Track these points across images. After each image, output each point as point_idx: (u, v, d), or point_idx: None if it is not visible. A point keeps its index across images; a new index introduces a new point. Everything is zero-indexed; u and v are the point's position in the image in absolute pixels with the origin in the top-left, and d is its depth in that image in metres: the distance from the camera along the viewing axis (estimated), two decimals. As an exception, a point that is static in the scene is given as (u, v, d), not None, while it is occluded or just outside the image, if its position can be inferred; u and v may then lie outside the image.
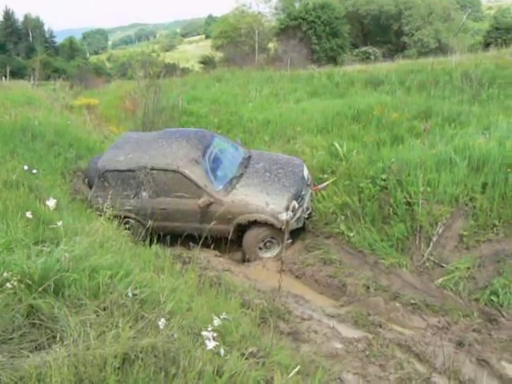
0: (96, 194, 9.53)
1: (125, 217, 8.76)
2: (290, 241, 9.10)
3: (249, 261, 9.18)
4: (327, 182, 10.30)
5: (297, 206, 8.79)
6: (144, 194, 9.36)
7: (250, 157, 10.25)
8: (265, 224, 8.98)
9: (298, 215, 9.09)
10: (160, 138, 9.93)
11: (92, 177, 10.10)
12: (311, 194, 10.00)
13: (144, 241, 7.22)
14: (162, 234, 7.93)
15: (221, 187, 9.22)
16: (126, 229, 7.65)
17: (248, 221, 9.05)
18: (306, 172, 10.15)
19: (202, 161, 9.28)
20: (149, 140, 10.00)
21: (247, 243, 9.18)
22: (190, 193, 9.07)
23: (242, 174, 9.61)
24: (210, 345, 3.11)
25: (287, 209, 8.75)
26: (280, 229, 8.80)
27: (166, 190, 9.27)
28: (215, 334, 3.17)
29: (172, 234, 8.75)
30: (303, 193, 9.56)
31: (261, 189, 9.25)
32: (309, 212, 9.62)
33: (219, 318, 3.37)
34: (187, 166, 9.12)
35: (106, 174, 9.55)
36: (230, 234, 8.99)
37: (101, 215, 6.55)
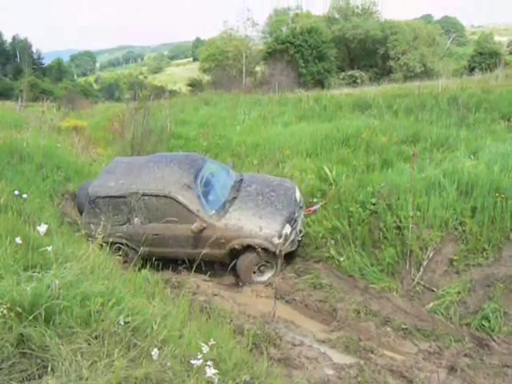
0: (87, 220, 9.37)
1: (116, 243, 8.59)
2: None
3: (238, 285, 9.11)
4: (319, 205, 10.27)
5: (290, 230, 8.82)
6: (136, 219, 9.23)
7: (241, 180, 10.20)
8: (258, 248, 8.91)
9: (291, 238, 9.03)
10: (151, 163, 9.84)
11: (82, 203, 9.96)
12: (304, 216, 9.96)
13: (135, 266, 7.13)
14: (153, 258, 7.82)
15: (213, 212, 9.14)
16: (117, 255, 7.52)
17: (242, 245, 8.95)
18: (298, 194, 10.11)
19: (193, 185, 9.21)
20: (140, 165, 9.90)
21: (241, 268, 9.06)
22: (183, 218, 8.95)
23: (234, 198, 9.54)
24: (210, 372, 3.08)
25: (280, 234, 8.77)
26: (274, 252, 8.74)
27: (158, 215, 9.15)
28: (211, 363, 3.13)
29: (164, 260, 8.69)
30: (296, 215, 9.51)
31: (254, 212, 9.19)
32: (302, 235, 9.57)
33: (207, 345, 3.33)
34: (179, 191, 9.04)
35: (97, 200, 9.40)
36: (225, 259, 8.95)
37: (92, 241, 6.47)
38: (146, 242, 8.51)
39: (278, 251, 8.63)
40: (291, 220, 9.26)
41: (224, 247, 8.94)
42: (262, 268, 9.14)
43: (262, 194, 9.68)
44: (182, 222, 8.97)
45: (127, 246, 9.10)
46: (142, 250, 7.51)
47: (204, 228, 8.88)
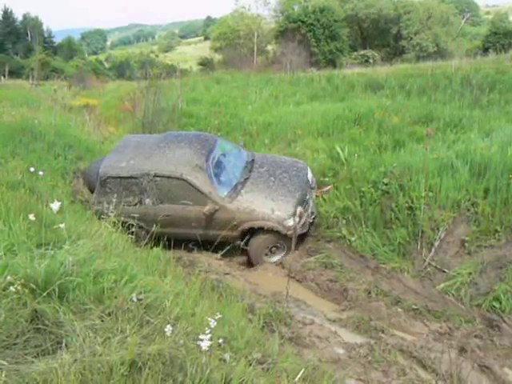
0: (98, 199, 9.37)
1: (127, 222, 8.60)
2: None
3: (251, 265, 9.13)
4: (330, 186, 10.23)
5: (303, 212, 8.79)
6: (147, 200, 9.20)
7: (253, 160, 10.13)
8: (270, 230, 8.87)
9: (303, 220, 8.99)
10: (162, 143, 9.76)
11: (93, 181, 9.97)
12: (315, 196, 9.91)
13: (147, 245, 7.13)
14: (165, 237, 7.82)
15: (225, 193, 9.10)
16: (129, 233, 7.50)
17: (253, 228, 8.96)
18: (310, 175, 10.04)
19: (205, 166, 9.14)
20: (150, 144, 9.82)
21: (253, 249, 9.07)
22: (195, 199, 8.94)
23: (246, 179, 9.48)
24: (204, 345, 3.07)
25: (293, 215, 8.74)
26: (285, 235, 8.75)
27: (169, 196, 9.12)
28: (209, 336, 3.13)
29: (176, 239, 8.69)
30: (308, 197, 9.46)
31: (266, 195, 9.13)
32: (313, 216, 9.55)
33: (214, 319, 3.33)
34: (191, 173, 8.98)
35: (108, 180, 9.36)
36: (236, 241, 8.99)
37: (103, 220, 6.49)
38: (157, 223, 8.50)
39: (289, 234, 8.63)
40: (303, 202, 9.21)
41: (236, 229, 8.94)
42: (272, 249, 9.13)
43: (273, 175, 9.60)
44: (193, 203, 8.96)
45: (139, 226, 9.10)
46: (152, 230, 7.47)
47: (216, 210, 8.88)
